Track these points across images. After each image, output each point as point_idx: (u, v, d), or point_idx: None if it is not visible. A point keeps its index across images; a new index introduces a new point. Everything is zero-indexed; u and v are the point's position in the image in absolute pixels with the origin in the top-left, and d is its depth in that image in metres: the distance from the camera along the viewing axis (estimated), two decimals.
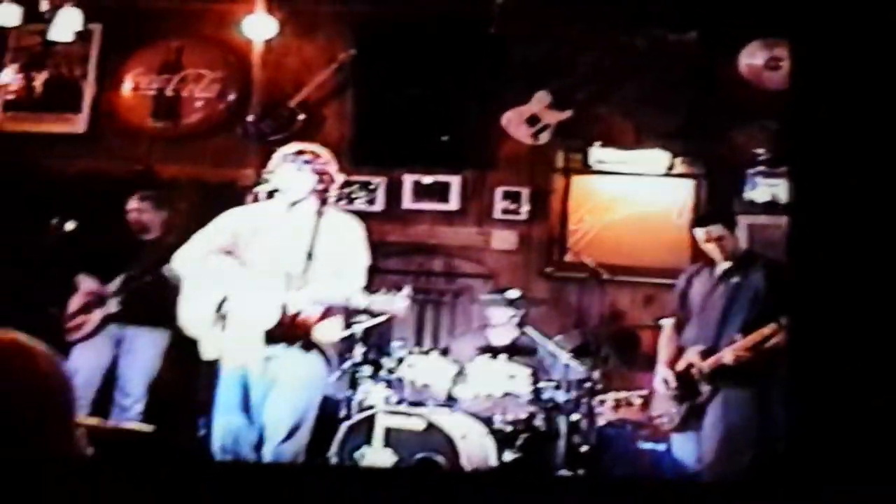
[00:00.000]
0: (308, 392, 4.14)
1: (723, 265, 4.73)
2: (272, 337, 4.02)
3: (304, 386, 4.12)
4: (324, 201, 4.27)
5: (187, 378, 4.71)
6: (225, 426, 4.10)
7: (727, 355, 4.49)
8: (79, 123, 6.90)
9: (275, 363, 4.06)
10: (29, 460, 1.37)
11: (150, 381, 5.51)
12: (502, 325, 5.62)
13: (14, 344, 1.44)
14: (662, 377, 4.69)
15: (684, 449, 4.72)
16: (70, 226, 5.95)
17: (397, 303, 3.98)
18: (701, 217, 5.07)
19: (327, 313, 4.13)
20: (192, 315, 4.17)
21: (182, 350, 5.01)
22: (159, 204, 5.69)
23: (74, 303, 5.55)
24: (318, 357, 4.13)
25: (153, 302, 5.24)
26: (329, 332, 4.19)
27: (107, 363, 5.48)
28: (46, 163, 6.64)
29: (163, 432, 4.72)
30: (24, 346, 1.45)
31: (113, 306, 5.47)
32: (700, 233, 4.80)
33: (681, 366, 4.65)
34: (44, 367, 1.45)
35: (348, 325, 5.15)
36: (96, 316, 5.48)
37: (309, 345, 4.09)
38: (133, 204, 5.65)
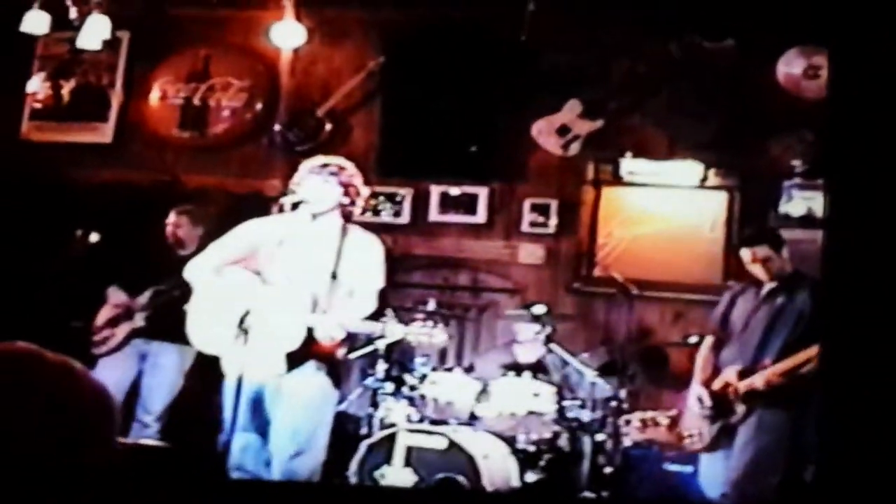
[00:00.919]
0: (315, 409, 4.07)
1: (768, 286, 4.62)
2: (294, 358, 3.95)
3: (311, 403, 4.06)
4: (348, 216, 4.20)
5: (205, 394, 4.65)
6: (240, 444, 4.03)
7: (758, 380, 4.40)
8: (106, 133, 6.89)
9: (284, 381, 3.99)
10: (72, 479, 1.37)
11: (173, 398, 5.44)
12: (528, 341, 5.52)
13: (64, 366, 1.43)
14: (697, 395, 4.58)
15: (713, 469, 4.61)
16: (94, 237, 5.93)
17: (437, 337, 3.91)
18: (747, 237, 4.90)
19: (349, 337, 4.08)
20: (209, 330, 4.10)
21: (201, 365, 4.97)
22: (196, 219, 5.60)
23: (102, 315, 5.50)
24: (326, 375, 4.05)
25: (180, 318, 5.18)
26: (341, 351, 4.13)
27: (131, 378, 5.41)
28: (73, 173, 6.63)
29: (180, 450, 4.66)
30: (72, 369, 1.44)
31: (140, 320, 5.41)
32: (746, 253, 4.67)
33: (717, 385, 4.54)
34: (91, 391, 1.45)
35: (370, 342, 5.06)
36: (123, 330, 5.43)
37: (320, 364, 4.01)
38: (171, 218, 5.59)
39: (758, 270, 4.61)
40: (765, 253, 4.58)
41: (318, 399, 4.07)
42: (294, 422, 3.99)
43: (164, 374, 5.42)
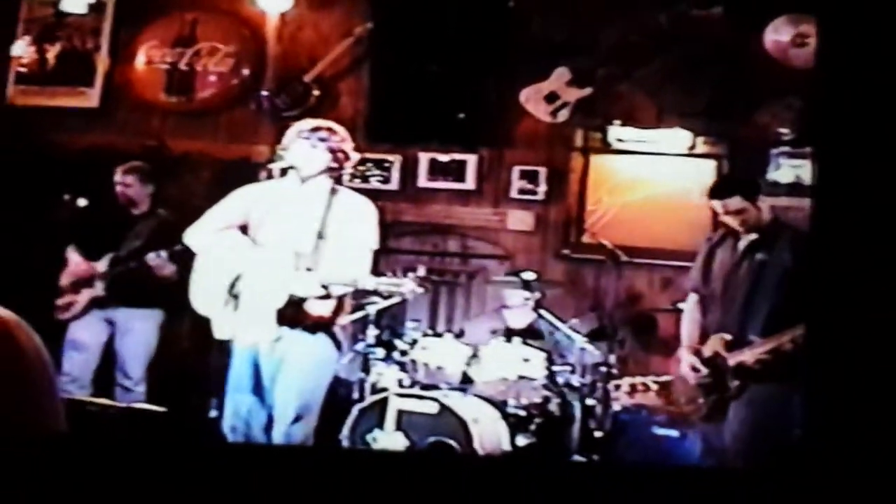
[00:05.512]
0: (316, 373, 4.09)
1: (746, 238, 4.32)
2: (282, 317, 3.96)
3: (312, 367, 4.07)
4: (338, 180, 4.19)
5: (199, 358, 4.67)
6: (235, 407, 4.06)
7: (748, 356, 4.20)
8: (92, 97, 6.84)
9: (283, 343, 4.01)
10: (10, 439, 1.31)
11: (150, 361, 5.41)
12: (518, 307, 5.53)
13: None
14: (690, 364, 4.34)
15: (708, 441, 4.50)
16: (83, 202, 5.89)
17: (406, 286, 3.90)
18: (716, 188, 4.52)
19: (341, 304, 4.07)
20: (204, 293, 4.11)
21: (194, 329, 4.98)
22: (146, 177, 5.47)
23: (64, 279, 5.42)
24: (326, 338, 4.07)
25: (140, 283, 5.17)
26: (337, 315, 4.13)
27: (104, 339, 5.37)
28: (58, 137, 6.58)
29: (174, 413, 4.68)
30: (8, 322, 1.36)
31: (100, 289, 5.32)
32: (717, 205, 4.38)
33: (706, 353, 4.33)
34: (24, 343, 1.36)
35: (360, 307, 5.08)
36: (84, 296, 5.35)
37: (317, 326, 4.03)
38: (118, 177, 5.43)
39: (732, 222, 4.30)
40: (738, 204, 4.25)
41: (319, 363, 4.09)
42: (296, 386, 4.01)
43: (137, 338, 5.37)
